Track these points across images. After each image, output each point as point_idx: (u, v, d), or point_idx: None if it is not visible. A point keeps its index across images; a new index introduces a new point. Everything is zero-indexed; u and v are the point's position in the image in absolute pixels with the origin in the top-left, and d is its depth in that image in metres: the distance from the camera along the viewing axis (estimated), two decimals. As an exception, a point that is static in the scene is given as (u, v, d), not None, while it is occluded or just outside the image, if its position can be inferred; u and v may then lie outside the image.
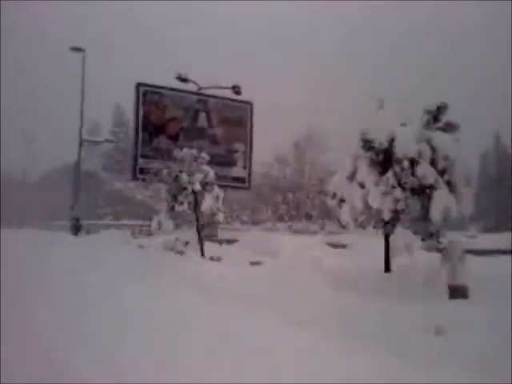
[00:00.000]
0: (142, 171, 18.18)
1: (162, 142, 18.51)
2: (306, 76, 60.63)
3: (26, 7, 62.15)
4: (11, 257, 10.90)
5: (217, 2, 63.84)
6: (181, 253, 12.71)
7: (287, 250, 13.46)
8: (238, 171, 20.09)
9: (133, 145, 18.36)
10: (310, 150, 35.16)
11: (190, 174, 11.87)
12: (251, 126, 20.27)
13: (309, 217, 20.74)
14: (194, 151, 12.29)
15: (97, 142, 28.66)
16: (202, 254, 12.09)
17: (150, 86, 18.18)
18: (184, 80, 18.08)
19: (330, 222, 20.27)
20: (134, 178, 18.59)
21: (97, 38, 27.60)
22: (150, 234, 21.99)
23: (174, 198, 11.86)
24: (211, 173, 12.06)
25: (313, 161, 34.55)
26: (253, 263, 10.38)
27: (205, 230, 16.45)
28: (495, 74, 50.78)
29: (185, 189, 11.77)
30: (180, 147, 18.94)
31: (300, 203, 21.22)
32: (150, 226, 24.60)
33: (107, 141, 30.71)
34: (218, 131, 19.63)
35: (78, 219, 25.45)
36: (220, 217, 12.08)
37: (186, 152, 12.24)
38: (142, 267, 11.08)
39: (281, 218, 20.86)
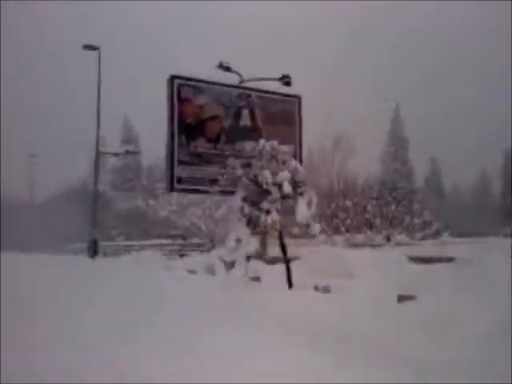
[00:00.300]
0: (179, 181, 15.33)
1: (200, 145, 15.66)
2: (306, 76, 58.96)
3: (26, 7, 61.13)
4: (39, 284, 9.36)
5: (217, 2, 62.19)
6: (256, 280, 9.76)
7: (383, 271, 10.34)
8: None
9: (168, 150, 15.39)
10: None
11: (273, 173, 8.94)
12: (300, 124, 17.56)
13: (369, 226, 17.80)
14: (275, 142, 9.37)
15: (116, 155, 25.45)
16: (290, 285, 8.96)
17: (187, 78, 15.37)
18: (227, 69, 15.24)
19: (395, 232, 17.35)
20: (172, 189, 15.54)
21: (97, 38, 25.60)
22: (182, 254, 19.11)
23: (254, 205, 8.85)
24: (301, 169, 9.11)
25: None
26: (402, 298, 6.92)
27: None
28: (495, 74, 49.71)
29: (268, 192, 8.80)
30: (221, 150, 16.19)
31: (357, 211, 18.37)
32: (182, 245, 21.84)
33: (128, 152, 27.34)
34: (264, 131, 16.81)
35: (95, 241, 22.69)
36: (316, 229, 9.01)
37: (263, 144, 9.28)
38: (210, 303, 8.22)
39: (336, 230, 17.94)
